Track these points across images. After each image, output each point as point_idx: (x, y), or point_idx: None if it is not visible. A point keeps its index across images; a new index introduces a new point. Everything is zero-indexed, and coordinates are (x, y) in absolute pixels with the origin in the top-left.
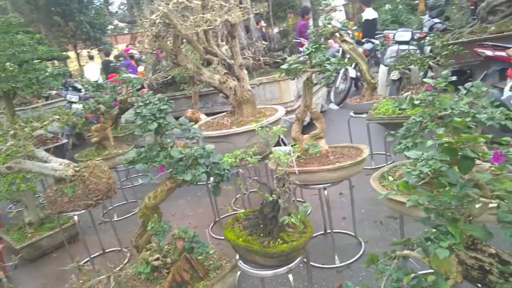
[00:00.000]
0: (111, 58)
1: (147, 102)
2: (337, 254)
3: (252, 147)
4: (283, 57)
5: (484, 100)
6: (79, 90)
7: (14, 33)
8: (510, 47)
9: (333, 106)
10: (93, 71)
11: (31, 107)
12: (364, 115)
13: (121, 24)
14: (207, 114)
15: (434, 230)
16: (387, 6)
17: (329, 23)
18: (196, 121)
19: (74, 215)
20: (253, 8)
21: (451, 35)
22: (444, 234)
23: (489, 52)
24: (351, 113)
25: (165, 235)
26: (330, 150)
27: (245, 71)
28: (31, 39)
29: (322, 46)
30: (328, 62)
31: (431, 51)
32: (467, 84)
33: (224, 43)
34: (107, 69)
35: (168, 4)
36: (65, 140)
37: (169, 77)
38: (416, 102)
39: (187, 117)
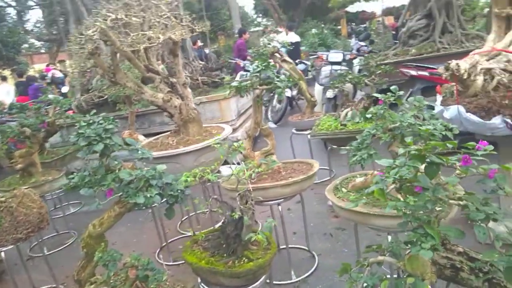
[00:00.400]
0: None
1: (91, 121)
2: (292, 269)
3: (205, 165)
4: (221, 76)
5: (425, 113)
6: None
7: None
8: (431, 67)
9: (271, 124)
10: (6, 93)
11: None
12: (306, 132)
13: (38, 43)
14: (145, 135)
15: (413, 233)
16: (314, 31)
17: (269, 44)
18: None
19: (1, 251)
20: (195, 27)
21: (377, 57)
22: (424, 236)
23: (413, 72)
24: (293, 130)
25: (116, 265)
26: (281, 166)
27: (189, 90)
28: None
29: (271, 64)
30: (279, 79)
31: (359, 71)
32: (410, 99)
33: (159, 62)
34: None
35: (106, 20)
36: None
37: (102, 97)
38: (368, 115)
39: (123, 139)
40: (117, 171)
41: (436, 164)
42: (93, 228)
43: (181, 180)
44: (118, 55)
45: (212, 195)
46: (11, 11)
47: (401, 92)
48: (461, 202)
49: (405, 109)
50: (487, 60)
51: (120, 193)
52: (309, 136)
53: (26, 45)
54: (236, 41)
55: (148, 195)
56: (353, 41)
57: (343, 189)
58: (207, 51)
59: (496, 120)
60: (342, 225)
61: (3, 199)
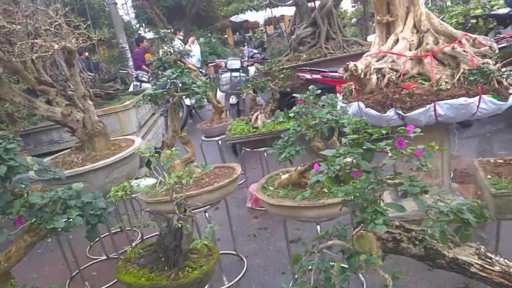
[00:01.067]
0: None
1: None
2: (224, 274)
3: (117, 181)
4: (115, 87)
5: (339, 110)
6: None
7: None
8: (322, 71)
9: None
10: None
11: None
12: (216, 138)
13: None
14: (32, 156)
15: (364, 213)
16: (201, 40)
17: (171, 52)
18: None
19: None
20: (93, 34)
21: (272, 63)
22: (374, 214)
23: (308, 76)
24: (203, 137)
25: None
26: (202, 172)
27: (90, 102)
28: None
29: (186, 70)
30: (195, 85)
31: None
32: (323, 98)
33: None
34: None
35: None
36: None
37: None
38: (291, 114)
39: None
40: (25, 195)
41: (372, 150)
42: None
43: (110, 195)
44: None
45: (143, 209)
46: None
47: (319, 91)
48: (396, 181)
49: (320, 107)
50: (377, 61)
51: (33, 219)
52: (219, 142)
53: None
54: (135, 50)
55: (68, 218)
56: (246, 49)
57: (270, 188)
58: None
59: (390, 113)
60: (264, 224)
61: None
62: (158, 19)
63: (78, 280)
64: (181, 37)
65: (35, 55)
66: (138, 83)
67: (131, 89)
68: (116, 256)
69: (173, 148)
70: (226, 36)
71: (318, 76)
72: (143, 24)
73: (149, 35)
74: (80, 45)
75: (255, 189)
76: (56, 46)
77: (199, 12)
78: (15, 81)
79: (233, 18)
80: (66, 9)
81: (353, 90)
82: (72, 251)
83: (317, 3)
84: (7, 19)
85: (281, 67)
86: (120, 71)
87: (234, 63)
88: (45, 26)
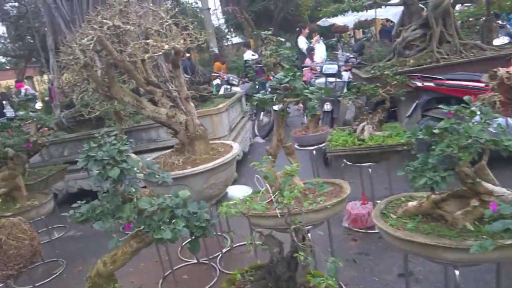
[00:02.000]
0: None
1: (102, 142)
2: None
3: (215, 187)
4: (209, 90)
5: (496, 127)
6: None
7: None
8: (437, 78)
9: (258, 139)
10: None
11: None
12: (310, 148)
13: (1, 59)
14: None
15: None
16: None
17: (273, 55)
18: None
19: None
20: (201, 35)
21: (371, 69)
22: None
23: (418, 83)
24: (296, 146)
25: None
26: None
27: (192, 104)
28: None
29: (298, 74)
30: (308, 91)
31: (348, 83)
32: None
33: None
34: None
35: (103, 27)
36: None
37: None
38: (436, 131)
39: None
40: (135, 199)
41: None
42: (103, 266)
43: (220, 211)
44: (113, 67)
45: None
46: None
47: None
48: None
49: (474, 123)
50: None
51: (142, 227)
52: (314, 152)
53: None
54: None
55: (175, 229)
56: (340, 53)
57: (392, 215)
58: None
59: None
60: (364, 249)
61: None
62: (247, 24)
63: (170, 280)
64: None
65: (147, 55)
66: (229, 87)
67: (221, 92)
68: (206, 262)
69: (295, 165)
70: (312, 41)
71: (431, 84)
72: (231, 29)
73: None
74: (188, 46)
75: (374, 215)
76: (166, 47)
77: (286, 17)
78: (122, 81)
79: (320, 22)
80: (176, 9)
81: (499, 102)
82: (167, 250)
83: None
84: (122, 19)
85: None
86: (213, 74)
87: (331, 67)
88: (156, 27)
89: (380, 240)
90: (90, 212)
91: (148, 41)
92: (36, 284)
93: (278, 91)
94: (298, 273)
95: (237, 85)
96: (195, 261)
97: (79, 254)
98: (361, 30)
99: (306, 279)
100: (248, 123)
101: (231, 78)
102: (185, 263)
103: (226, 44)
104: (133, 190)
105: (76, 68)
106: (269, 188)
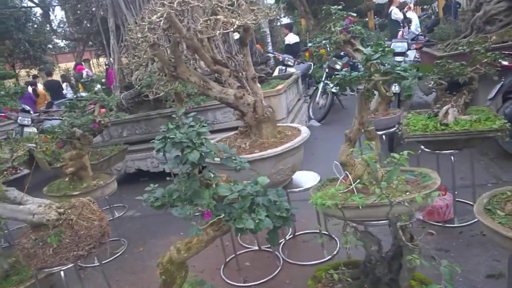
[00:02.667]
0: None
1: (179, 123)
2: None
3: (282, 172)
4: (266, 71)
5: None
6: (27, 112)
7: None
8: None
9: (314, 122)
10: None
11: None
12: (380, 132)
13: (61, 43)
14: None
15: None
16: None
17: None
18: None
19: (60, 270)
20: (273, 10)
21: (446, 46)
22: None
23: (505, 62)
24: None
25: None
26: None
27: (258, 85)
28: None
29: (387, 49)
30: (401, 68)
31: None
32: None
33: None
34: (52, 89)
35: (173, 3)
36: (26, 171)
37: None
38: None
39: None
40: (214, 185)
41: None
42: (177, 253)
43: (315, 202)
44: (180, 45)
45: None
46: (37, 11)
47: None
48: None
49: None
50: None
51: (222, 215)
52: (384, 136)
53: (49, 46)
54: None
55: (257, 218)
56: (406, 30)
57: (499, 212)
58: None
59: None
60: (443, 245)
61: (61, 210)
62: (299, 3)
63: (231, 267)
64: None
65: (218, 31)
66: (284, 68)
67: (276, 73)
68: (269, 250)
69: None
70: (367, 19)
71: None
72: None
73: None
74: (258, 22)
75: (476, 209)
76: (237, 23)
77: None
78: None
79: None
80: None
81: None
82: (231, 236)
83: None
84: None
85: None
86: (268, 54)
87: (400, 45)
88: (226, 1)
89: (461, 236)
90: (167, 197)
91: (218, 17)
92: (102, 262)
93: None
94: (401, 276)
95: (292, 66)
96: (256, 248)
97: (139, 234)
98: (419, 7)
99: (409, 284)
100: (304, 106)
101: (286, 58)
102: (247, 250)
103: (276, 24)
104: (212, 175)
105: (143, 47)
106: (349, 176)
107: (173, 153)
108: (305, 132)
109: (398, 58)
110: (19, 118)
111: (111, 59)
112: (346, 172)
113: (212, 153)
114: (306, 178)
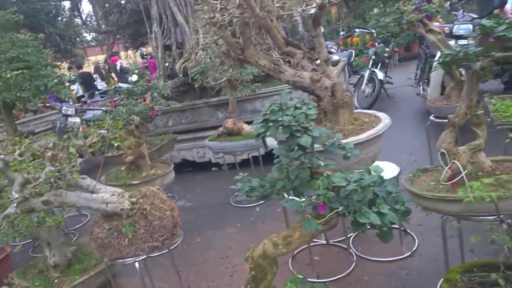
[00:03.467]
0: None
1: (284, 105)
2: None
3: (364, 162)
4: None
5: None
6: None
7: (15, 32)
8: None
9: None
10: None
11: (19, 122)
12: None
13: (88, 37)
14: None
15: None
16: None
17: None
18: (239, 133)
19: (135, 261)
20: None
21: None
22: None
23: None
24: (431, 118)
25: None
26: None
27: (331, 67)
28: (34, 39)
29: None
30: None
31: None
32: None
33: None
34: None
35: None
36: (80, 159)
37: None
38: None
39: (227, 128)
40: (325, 174)
41: None
42: (273, 248)
43: (480, 195)
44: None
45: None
46: (65, 5)
47: None
48: None
49: None
50: None
51: (339, 208)
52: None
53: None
54: None
55: (380, 212)
56: (460, 13)
57: None
58: None
59: None
60: None
61: (134, 199)
62: None
63: (299, 260)
64: None
65: (299, 8)
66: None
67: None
68: (339, 244)
69: None
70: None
71: None
72: None
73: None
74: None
75: None
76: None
77: None
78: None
79: None
80: None
81: None
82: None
83: None
84: None
85: None
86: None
87: (464, 28)
88: None
89: None
90: (269, 186)
91: None
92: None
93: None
94: None
95: (335, 53)
96: (325, 242)
97: (194, 225)
98: None
99: None
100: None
101: (329, 45)
102: (314, 243)
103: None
104: (321, 163)
105: (208, 29)
106: (459, 166)
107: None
108: (386, 118)
109: (462, 41)
110: (64, 108)
111: (154, 47)
112: (453, 161)
113: (321, 138)
114: (388, 169)
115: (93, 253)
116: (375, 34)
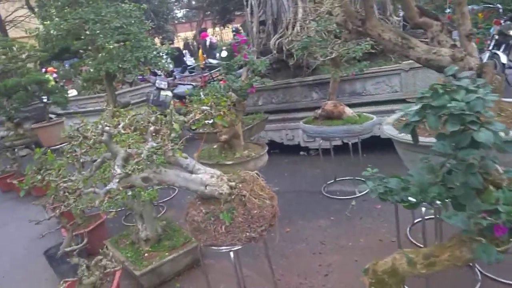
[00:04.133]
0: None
1: (449, 86)
2: None
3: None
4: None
5: None
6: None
7: (120, 2)
8: None
9: None
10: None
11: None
12: None
13: (178, 13)
14: None
15: None
16: None
17: None
18: (339, 116)
19: (230, 251)
20: None
21: None
22: None
23: None
24: None
25: None
26: None
27: (473, 45)
28: (138, 9)
29: None
30: None
31: None
32: None
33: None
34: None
35: None
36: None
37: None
38: None
39: (327, 111)
40: (504, 184)
41: None
42: (408, 266)
43: None
44: None
45: None
46: None
47: None
48: None
49: None
50: None
51: None
52: None
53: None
54: None
55: None
56: None
57: None
58: None
59: None
60: None
61: (232, 183)
62: None
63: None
64: None
65: None
66: None
67: None
68: None
69: None
70: None
71: None
72: None
73: None
74: None
75: None
76: None
77: None
78: None
79: None
80: None
81: None
82: (398, 227)
83: None
84: None
85: None
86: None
87: None
88: None
89: None
90: (419, 192)
91: None
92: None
93: None
94: None
95: None
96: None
97: (283, 212)
98: None
99: None
100: None
101: None
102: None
103: None
104: (499, 168)
105: None
106: None
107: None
108: None
109: None
110: (157, 81)
111: (248, 21)
112: None
113: (501, 134)
114: None
115: (181, 230)
116: (500, 10)
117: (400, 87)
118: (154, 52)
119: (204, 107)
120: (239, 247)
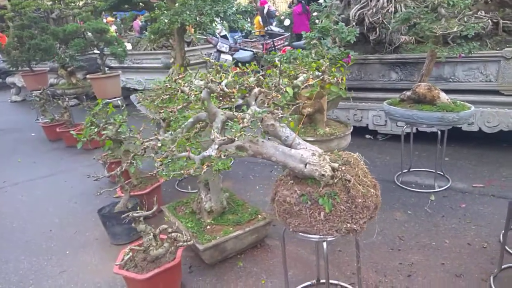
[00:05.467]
0: None
1: None
2: None
3: None
4: None
5: None
6: (224, 38)
7: None
8: None
9: None
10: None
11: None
12: None
13: None
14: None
15: None
16: None
17: None
18: (432, 101)
19: (325, 241)
20: None
21: None
22: None
23: None
24: None
25: None
26: None
27: None
28: None
29: None
30: None
31: None
32: None
33: None
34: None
35: None
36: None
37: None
38: None
39: (418, 93)
40: None
41: None
42: None
43: None
44: None
45: None
46: None
47: None
48: None
49: None
50: None
51: None
52: None
53: None
54: None
55: None
56: None
57: None
58: None
59: None
60: None
61: (335, 165)
62: None
63: (504, 279)
64: None
65: None
66: None
67: None
68: None
69: None
70: None
71: None
72: None
73: None
74: None
75: None
76: None
77: None
78: None
79: None
80: None
81: None
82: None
83: None
84: None
85: None
86: None
87: None
88: None
89: None
90: None
91: None
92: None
93: None
94: None
95: None
96: None
97: None
98: None
99: None
100: None
101: None
102: None
103: None
104: None
105: None
106: None
107: None
108: None
109: None
110: (219, 43)
111: None
112: None
113: None
114: None
115: (245, 205)
116: None
117: (495, 77)
118: (234, 8)
119: (318, 72)
120: (333, 238)
